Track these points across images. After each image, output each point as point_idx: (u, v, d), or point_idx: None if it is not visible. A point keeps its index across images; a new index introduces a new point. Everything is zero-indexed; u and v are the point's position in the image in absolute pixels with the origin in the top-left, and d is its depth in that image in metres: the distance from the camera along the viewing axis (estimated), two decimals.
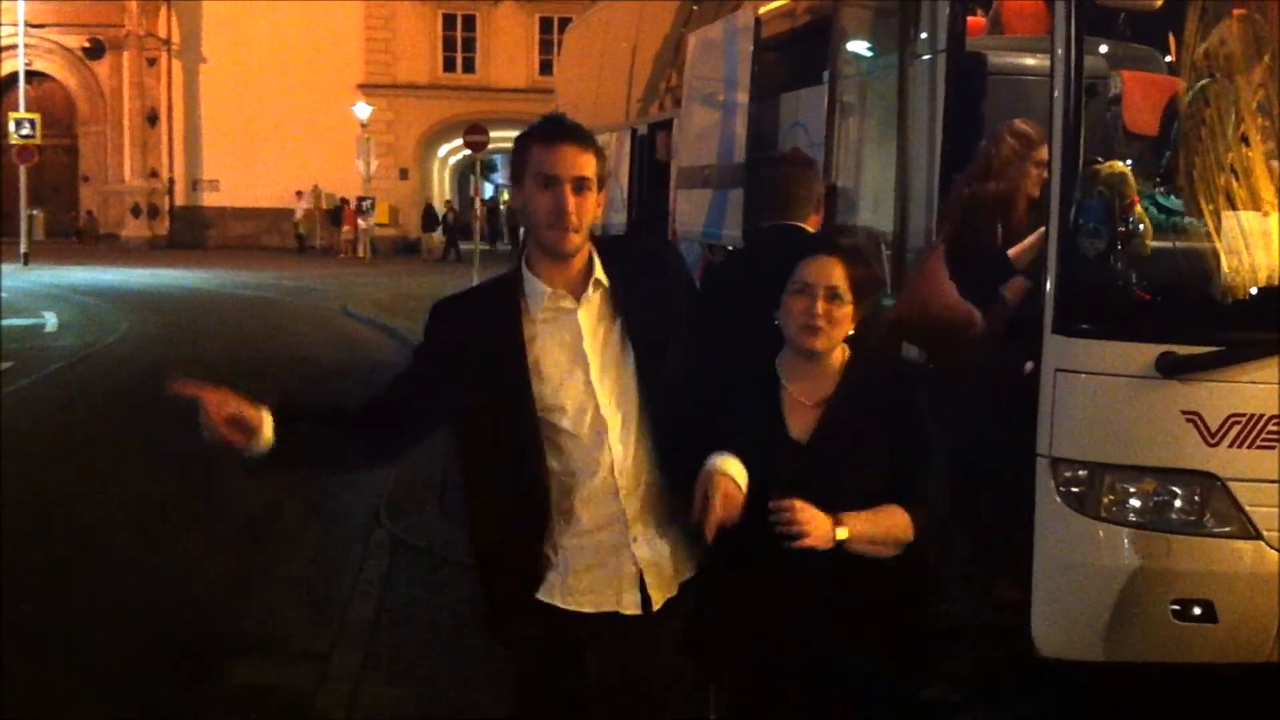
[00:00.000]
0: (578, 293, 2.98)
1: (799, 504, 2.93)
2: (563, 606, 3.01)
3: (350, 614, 6.35)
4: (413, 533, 7.70)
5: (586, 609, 3.01)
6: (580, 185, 2.90)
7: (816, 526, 2.95)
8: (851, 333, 3.15)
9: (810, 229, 4.83)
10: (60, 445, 10.43)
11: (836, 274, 3.10)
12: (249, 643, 5.97)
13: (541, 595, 3.02)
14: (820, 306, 3.07)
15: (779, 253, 3.80)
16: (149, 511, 8.22)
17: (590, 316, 2.99)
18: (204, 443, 2.82)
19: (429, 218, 41.20)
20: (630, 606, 3.00)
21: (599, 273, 3.00)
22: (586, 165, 2.92)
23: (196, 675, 5.56)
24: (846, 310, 3.10)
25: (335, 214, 41.46)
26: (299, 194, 41.61)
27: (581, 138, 2.96)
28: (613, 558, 2.99)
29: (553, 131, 2.95)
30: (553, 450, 2.97)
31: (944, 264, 5.11)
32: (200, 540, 7.64)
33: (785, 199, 4.81)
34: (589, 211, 2.93)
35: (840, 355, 3.17)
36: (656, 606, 3.01)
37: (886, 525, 3.08)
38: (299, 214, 42.09)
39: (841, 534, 2.98)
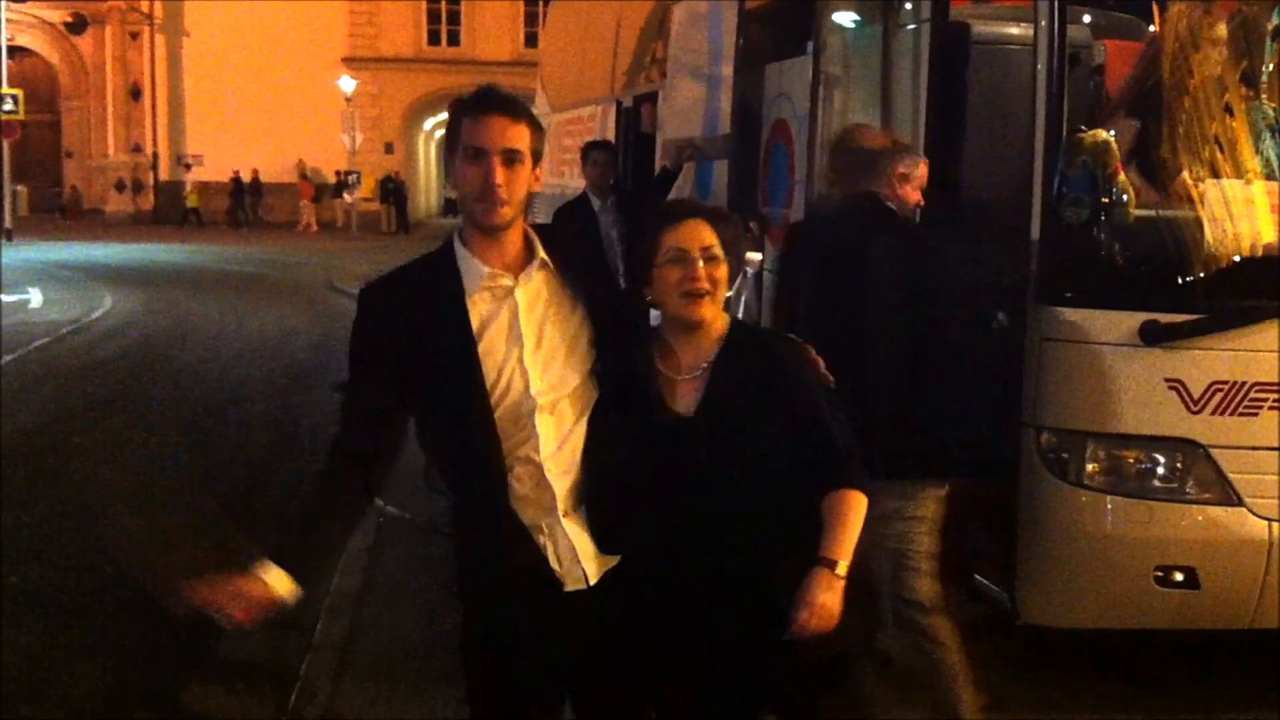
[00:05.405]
0: (515, 271, 2.91)
1: (810, 607, 2.75)
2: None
3: (336, 585, 6.35)
4: (400, 506, 7.71)
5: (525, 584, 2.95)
6: (510, 158, 2.83)
7: (832, 601, 2.78)
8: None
9: (887, 199, 4.87)
10: (44, 420, 10.40)
11: (708, 235, 2.93)
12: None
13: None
14: (701, 270, 2.90)
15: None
16: (135, 484, 8.19)
17: (529, 296, 2.91)
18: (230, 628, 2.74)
19: (386, 190, 41.03)
20: (573, 583, 2.95)
21: (543, 254, 2.93)
22: (517, 137, 2.84)
23: (182, 647, 5.55)
24: (725, 271, 2.94)
25: (243, 187, 41.70)
26: (186, 165, 41.15)
27: (512, 109, 2.88)
28: (542, 536, 2.93)
29: (481, 103, 2.87)
30: None
31: None
32: (186, 512, 7.62)
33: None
34: (520, 185, 2.85)
35: (720, 324, 2.99)
36: (594, 580, 2.96)
37: (854, 522, 2.88)
38: (188, 186, 41.64)
39: (842, 571, 2.81)
